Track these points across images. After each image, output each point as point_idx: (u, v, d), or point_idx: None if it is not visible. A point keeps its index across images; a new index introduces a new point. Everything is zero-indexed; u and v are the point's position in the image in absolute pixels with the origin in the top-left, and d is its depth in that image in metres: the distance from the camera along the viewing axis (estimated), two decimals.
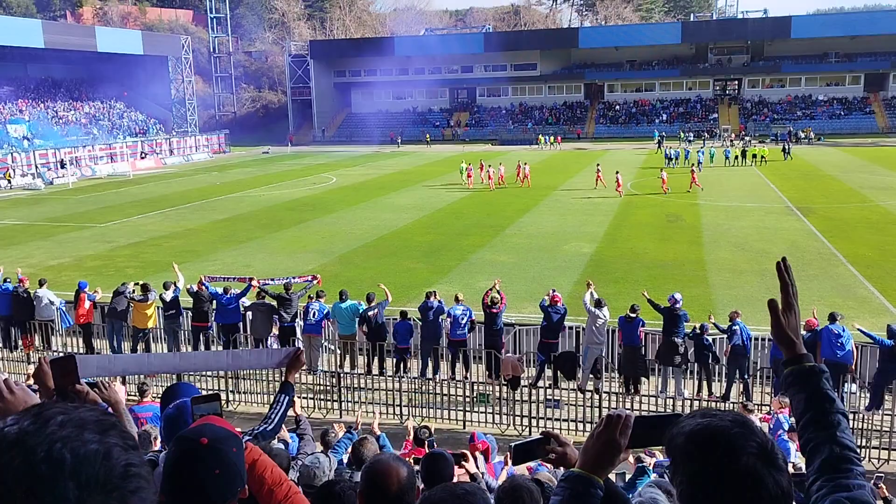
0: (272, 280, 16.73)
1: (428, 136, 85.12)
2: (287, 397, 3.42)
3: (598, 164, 44.63)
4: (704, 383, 14.08)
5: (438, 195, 41.97)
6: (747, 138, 71.75)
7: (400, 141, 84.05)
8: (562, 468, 2.05)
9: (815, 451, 1.87)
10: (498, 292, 15.16)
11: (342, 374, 14.29)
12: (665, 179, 41.15)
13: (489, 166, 45.25)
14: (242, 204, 40.47)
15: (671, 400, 13.03)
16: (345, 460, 6.49)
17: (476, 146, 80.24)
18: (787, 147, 57.96)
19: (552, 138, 78.52)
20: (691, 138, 73.12)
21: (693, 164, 43.80)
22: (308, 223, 33.56)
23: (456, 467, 4.53)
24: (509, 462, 7.44)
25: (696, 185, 40.68)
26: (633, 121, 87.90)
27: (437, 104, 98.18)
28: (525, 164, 46.09)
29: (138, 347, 15.93)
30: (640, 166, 54.38)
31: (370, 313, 15.04)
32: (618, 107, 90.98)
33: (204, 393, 2.83)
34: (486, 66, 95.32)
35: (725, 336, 14.02)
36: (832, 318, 13.37)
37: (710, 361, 14.08)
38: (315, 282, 16.58)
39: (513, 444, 2.17)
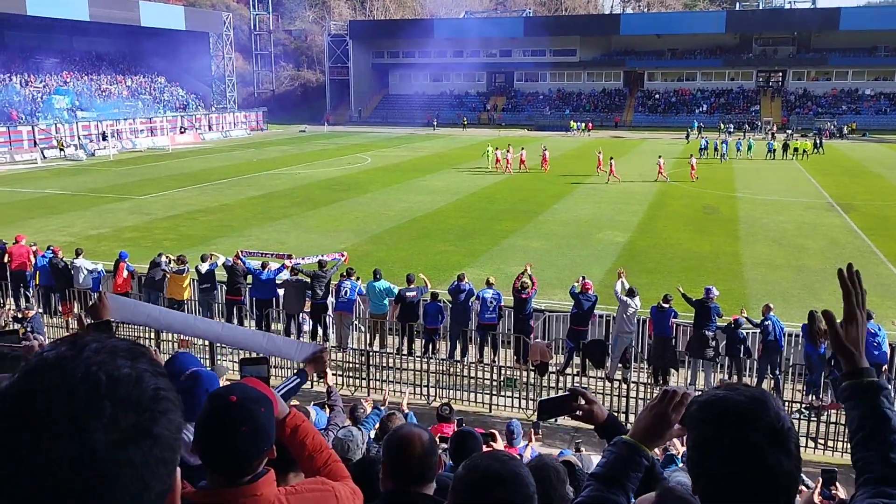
0: (302, 259, 16.89)
1: (464, 119, 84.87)
2: (299, 380, 3.43)
3: (599, 151, 44.18)
4: (735, 377, 13.96)
5: (472, 179, 41.90)
6: (789, 132, 70.34)
7: (436, 124, 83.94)
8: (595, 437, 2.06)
9: (863, 469, 1.81)
10: (529, 277, 15.15)
11: (371, 353, 14.43)
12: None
13: (508, 150, 44.98)
14: (278, 181, 40.83)
15: (700, 393, 12.93)
16: (372, 436, 6.59)
17: (512, 131, 79.79)
18: (818, 141, 56.59)
19: (584, 124, 77.78)
20: (731, 129, 71.88)
21: (693, 155, 43.02)
22: (342, 202, 33.78)
23: (484, 446, 4.57)
24: (533, 442, 7.48)
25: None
26: (673, 110, 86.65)
27: (474, 87, 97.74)
28: (544, 148, 45.86)
29: None
30: (676, 156, 53.66)
31: (409, 294, 15.13)
32: (657, 95, 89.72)
33: (254, 356, 2.89)
34: (525, 50, 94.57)
35: (758, 331, 13.86)
36: (868, 316, 13.13)
37: (741, 355, 13.94)
38: (343, 259, 16.71)
39: (539, 400, 2.18)
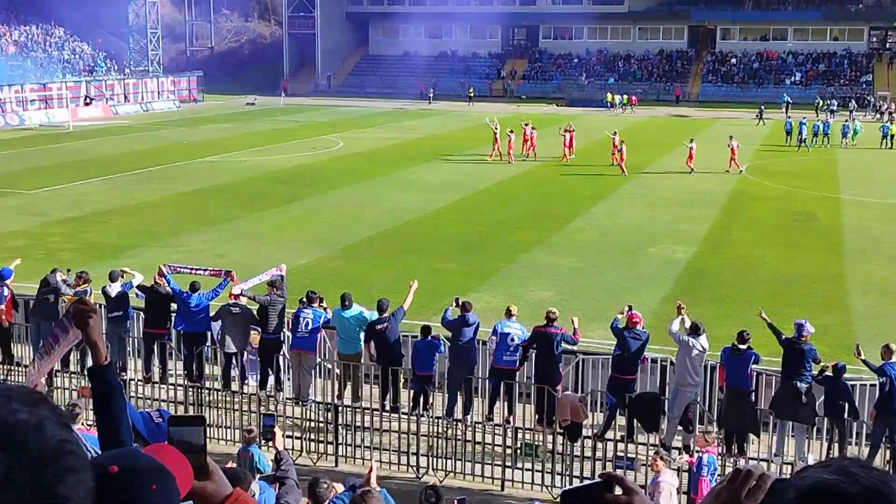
0: (245, 284, 16.69)
1: (471, 89, 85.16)
2: (111, 401, 3.14)
3: (613, 133, 44.44)
4: (836, 445, 13.92)
5: (481, 171, 41.97)
6: None
7: (432, 95, 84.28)
8: None
9: None
10: (573, 327, 15.06)
11: (341, 408, 14.39)
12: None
13: (510, 131, 45.13)
14: (217, 172, 40.90)
15: (789, 467, 12.92)
16: None
17: (534, 106, 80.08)
18: None
19: (625, 97, 78.12)
20: (833, 107, 71.95)
21: (733, 137, 43.05)
22: (303, 202, 33.79)
23: None
24: None
25: (735, 164, 41.11)
26: (754, 80, 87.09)
27: (484, 47, 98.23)
28: (565, 129, 45.78)
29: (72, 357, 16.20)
30: (759, 144, 53.81)
31: (379, 327, 15.13)
32: (734, 59, 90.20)
33: (188, 414, 2.88)
34: None
35: (878, 382, 13.78)
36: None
37: (846, 415, 13.91)
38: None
39: (562, 491, 2.17)
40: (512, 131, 45.15)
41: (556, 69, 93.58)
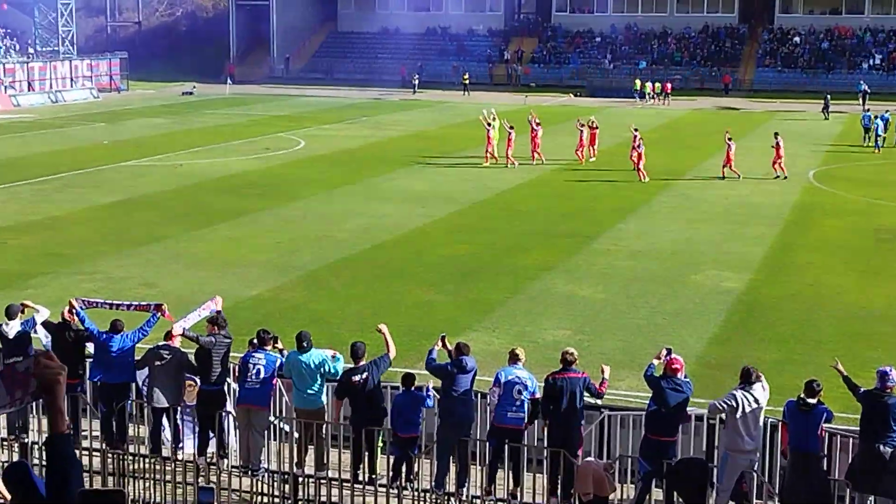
0: (184, 321, 16.57)
1: (466, 75, 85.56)
2: (69, 479, 3.17)
3: (588, 123, 44.96)
4: None
5: (478, 178, 42.09)
6: None
7: (417, 82, 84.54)
8: None
9: None
10: (602, 375, 15.01)
11: (301, 479, 14.29)
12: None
13: (510, 126, 45.29)
14: (145, 180, 40.92)
15: None
16: None
17: (546, 96, 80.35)
18: None
19: (657, 85, 78.48)
20: None
21: (778, 134, 43.48)
22: (255, 216, 33.82)
23: None
24: None
25: (780, 168, 41.94)
26: (823, 63, 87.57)
27: (482, 22, 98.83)
28: (586, 124, 46.09)
29: None
30: (830, 143, 53.98)
31: (355, 378, 15.03)
32: (797, 38, 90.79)
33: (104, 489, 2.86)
34: None
35: None
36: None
37: None
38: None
39: None
40: (512, 127, 45.10)
41: (573, 50, 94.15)
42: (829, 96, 67.81)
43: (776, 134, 43.47)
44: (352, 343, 15.62)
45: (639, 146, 41.83)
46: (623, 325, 22.72)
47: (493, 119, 45.90)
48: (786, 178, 41.41)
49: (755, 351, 18.68)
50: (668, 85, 78.93)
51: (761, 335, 21.81)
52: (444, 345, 15.34)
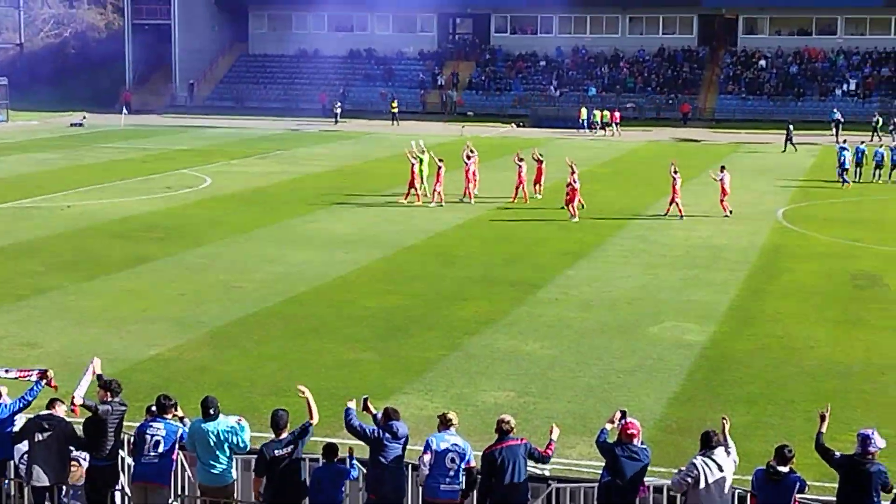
0: (79, 388, 16.36)
1: (394, 102, 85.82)
2: None
3: (722, 169, 45.32)
4: None
5: (409, 219, 42.12)
6: None
7: (339, 111, 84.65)
8: None
9: None
10: (549, 435, 14.99)
11: None
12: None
13: (440, 160, 45.51)
14: (28, 223, 40.50)
15: None
16: None
17: (485, 127, 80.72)
18: None
19: (604, 113, 79.34)
20: None
21: (723, 171, 44.23)
22: (154, 265, 33.52)
23: None
24: None
25: (723, 206, 42.67)
26: (791, 89, 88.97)
27: (412, 43, 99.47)
28: (533, 157, 46.67)
29: None
30: (800, 178, 54.74)
31: (279, 453, 14.90)
32: (763, 62, 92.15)
33: None
34: None
35: None
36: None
37: None
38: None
39: None
40: (441, 160, 45.24)
41: (514, 75, 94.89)
42: (791, 126, 68.56)
43: (722, 167, 43.59)
44: (273, 411, 15.42)
45: (574, 181, 41.92)
46: (573, 385, 22.59)
47: (423, 152, 46.07)
48: (726, 215, 41.89)
49: (720, 412, 18.68)
50: (616, 114, 79.80)
51: (727, 394, 21.80)
52: (366, 408, 15.23)
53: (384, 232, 39.25)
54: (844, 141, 57.64)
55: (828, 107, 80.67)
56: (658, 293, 30.70)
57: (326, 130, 79.05)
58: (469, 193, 45.74)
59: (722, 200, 42.56)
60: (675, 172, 42.25)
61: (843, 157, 52.12)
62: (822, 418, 14.49)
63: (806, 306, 29.43)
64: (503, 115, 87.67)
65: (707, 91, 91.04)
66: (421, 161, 45.85)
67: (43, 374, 16.29)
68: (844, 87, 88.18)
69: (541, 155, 47.90)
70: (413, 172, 45.26)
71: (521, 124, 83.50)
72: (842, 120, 73.05)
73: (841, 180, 51.77)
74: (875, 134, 70.71)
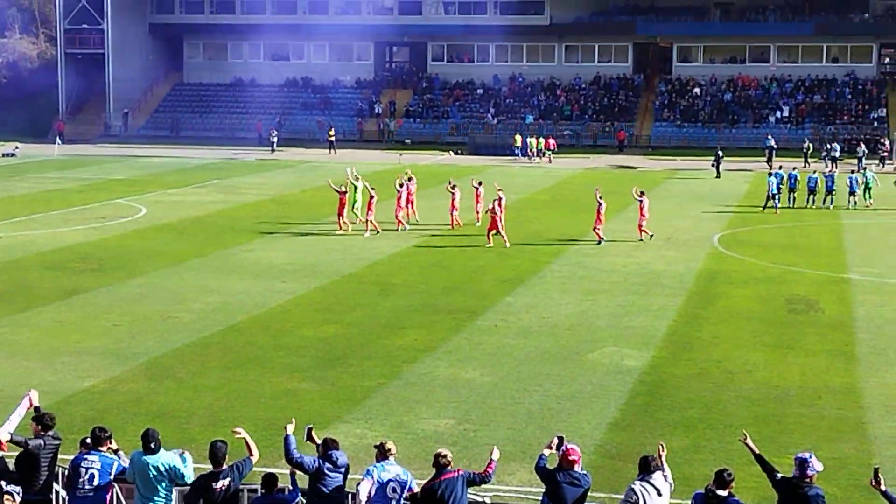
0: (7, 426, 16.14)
1: (332, 131, 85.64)
2: None
3: (641, 193, 45.59)
4: None
5: (347, 247, 42.04)
6: None
7: (276, 140, 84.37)
8: None
9: None
10: (488, 464, 14.96)
11: None
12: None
13: (372, 188, 45.52)
14: None
15: None
16: None
17: (423, 154, 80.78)
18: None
19: (538, 140, 79.96)
20: (836, 154, 74.13)
21: (643, 196, 44.75)
22: (88, 296, 33.22)
23: None
24: None
25: (644, 231, 43.41)
26: (726, 116, 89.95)
27: (349, 72, 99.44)
28: (455, 186, 47.21)
29: None
30: (735, 204, 55.22)
31: (216, 485, 14.78)
32: (697, 90, 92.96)
33: None
34: (450, 2, 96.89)
35: None
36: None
37: None
38: (29, 404, 16.11)
39: None
40: (374, 188, 45.25)
41: (452, 103, 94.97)
42: (720, 152, 69.63)
43: (641, 192, 44.05)
44: (211, 443, 15.28)
45: (498, 208, 42.07)
46: (513, 412, 22.60)
47: (357, 179, 46.09)
48: (640, 240, 42.57)
49: (659, 437, 18.75)
50: (551, 141, 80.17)
51: (666, 419, 21.88)
52: (310, 438, 15.17)
53: (322, 261, 39.14)
54: (779, 167, 58.37)
55: (761, 133, 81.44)
56: (596, 319, 30.82)
57: (263, 159, 78.82)
58: (400, 221, 45.64)
59: (640, 225, 43.07)
60: (601, 198, 42.63)
61: (770, 184, 52.64)
62: (747, 445, 14.63)
63: (743, 331, 29.66)
64: (441, 143, 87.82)
65: (643, 118, 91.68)
66: (356, 189, 45.92)
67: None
68: (778, 113, 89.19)
69: (475, 182, 48.10)
70: (342, 202, 45.26)
71: (459, 152, 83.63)
72: (775, 146, 73.91)
73: (772, 205, 52.27)
74: (806, 161, 71.37)
